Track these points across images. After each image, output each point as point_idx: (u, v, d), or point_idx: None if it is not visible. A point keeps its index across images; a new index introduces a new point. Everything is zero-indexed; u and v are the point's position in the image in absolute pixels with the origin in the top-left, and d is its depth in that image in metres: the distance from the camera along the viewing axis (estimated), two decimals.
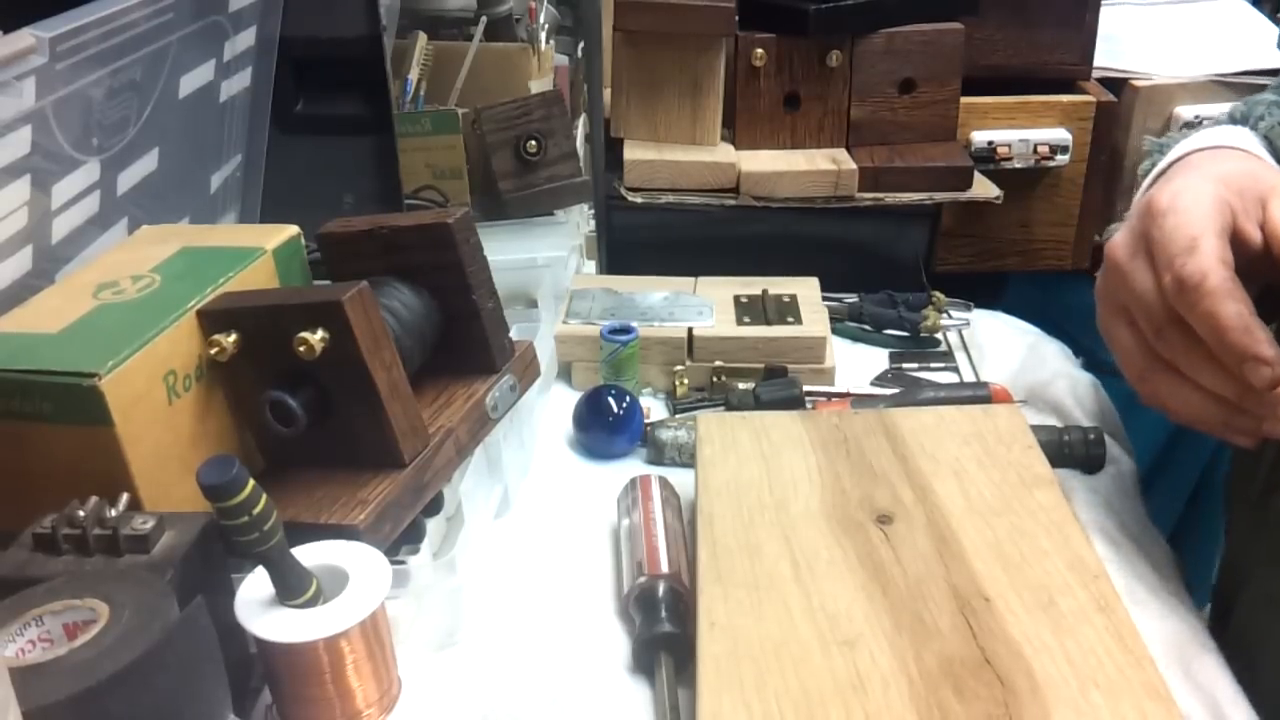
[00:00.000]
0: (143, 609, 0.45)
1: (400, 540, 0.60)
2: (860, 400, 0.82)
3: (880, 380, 0.88)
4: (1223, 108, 1.22)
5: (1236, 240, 0.56)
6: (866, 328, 0.95)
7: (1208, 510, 1.27)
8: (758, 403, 0.81)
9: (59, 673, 0.42)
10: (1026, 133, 1.15)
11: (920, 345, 0.93)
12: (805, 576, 0.58)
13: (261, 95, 0.86)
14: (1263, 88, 0.99)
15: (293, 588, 0.50)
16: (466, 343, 0.66)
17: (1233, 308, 0.52)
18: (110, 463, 0.53)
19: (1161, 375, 0.57)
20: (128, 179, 0.70)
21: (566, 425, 0.82)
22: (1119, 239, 0.60)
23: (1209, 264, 0.53)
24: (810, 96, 1.06)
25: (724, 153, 1.06)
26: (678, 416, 0.83)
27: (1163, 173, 0.65)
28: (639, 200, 1.03)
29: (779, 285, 0.92)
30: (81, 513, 0.50)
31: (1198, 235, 0.54)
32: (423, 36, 1.06)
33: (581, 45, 1.18)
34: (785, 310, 0.88)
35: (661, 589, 0.61)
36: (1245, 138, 0.64)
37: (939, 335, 0.93)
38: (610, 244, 1.06)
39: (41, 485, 0.53)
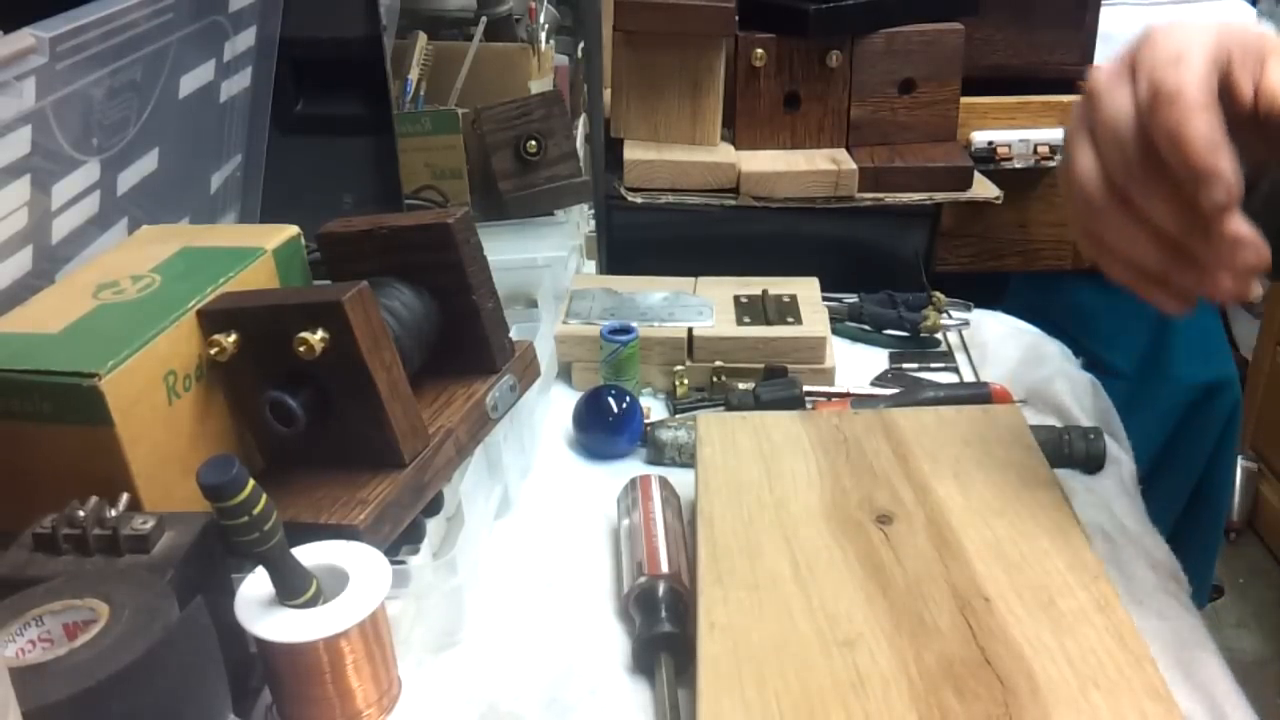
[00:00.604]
0: (143, 609, 0.45)
1: (400, 540, 0.60)
2: (860, 400, 0.82)
3: (880, 380, 0.88)
4: None
5: (1226, 89, 0.53)
6: (866, 328, 0.95)
7: (1207, 510, 1.27)
8: (758, 403, 0.81)
9: (59, 673, 0.42)
10: (1026, 133, 1.15)
11: (920, 345, 0.93)
12: (805, 577, 0.58)
13: (261, 95, 0.86)
14: None
15: (293, 588, 0.50)
16: (466, 343, 0.66)
17: (1204, 123, 0.50)
18: (110, 463, 0.53)
19: (1112, 211, 0.54)
20: (128, 179, 0.70)
21: (566, 425, 0.82)
22: (1105, 65, 0.56)
23: (1190, 77, 0.51)
24: (810, 96, 1.06)
25: (724, 153, 1.06)
26: (678, 416, 0.83)
27: None
28: (639, 200, 1.03)
29: (779, 285, 0.92)
30: (81, 513, 0.50)
31: (1185, 52, 0.52)
32: (423, 36, 1.06)
33: (581, 45, 1.19)
34: (785, 310, 0.88)
35: (661, 589, 0.61)
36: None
37: (939, 335, 0.93)
38: (610, 244, 1.06)
39: (41, 485, 0.53)
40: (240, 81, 0.83)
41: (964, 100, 1.09)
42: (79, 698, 0.41)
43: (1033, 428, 0.71)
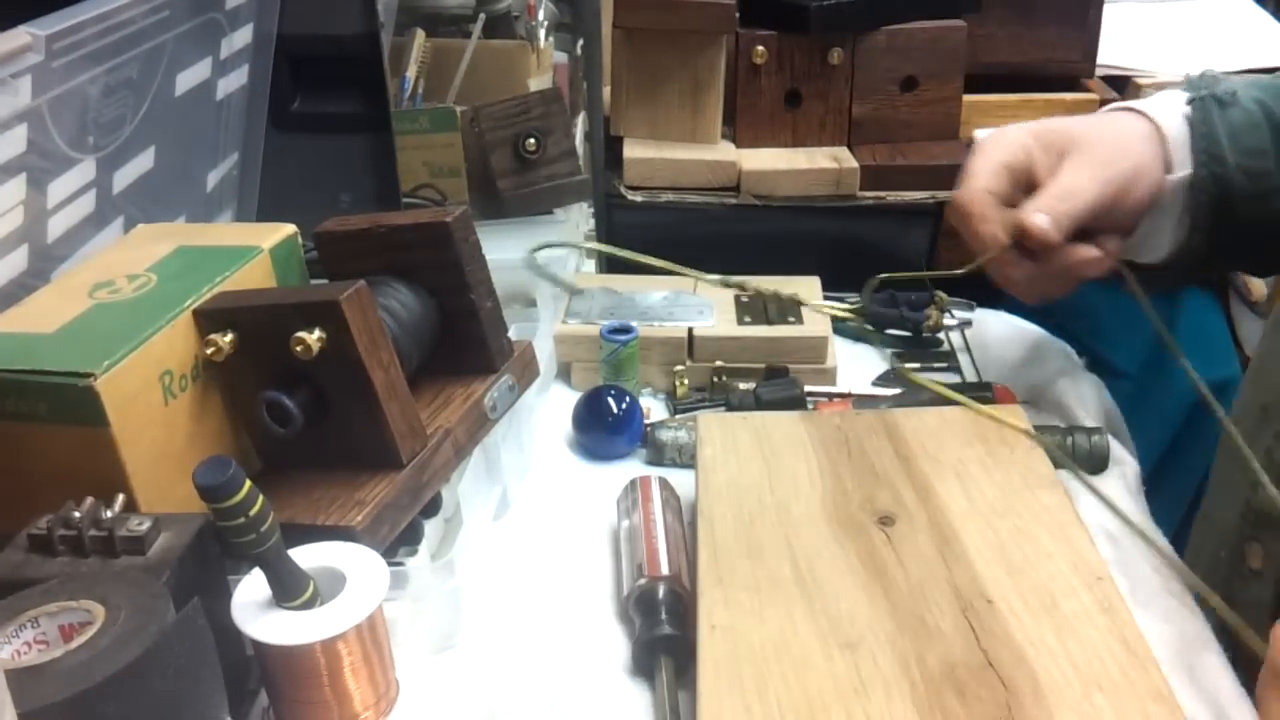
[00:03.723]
0: (139, 611, 0.44)
1: (398, 541, 0.60)
2: (862, 400, 0.82)
3: (882, 380, 0.87)
4: None
5: (1030, 180, 0.71)
6: (868, 327, 0.94)
7: None
8: (758, 403, 0.81)
9: (55, 675, 0.41)
10: None
11: (922, 345, 0.92)
12: (806, 578, 0.58)
13: (258, 93, 0.86)
14: None
15: (290, 589, 0.49)
16: (465, 342, 0.66)
17: (983, 228, 0.69)
18: (106, 463, 0.52)
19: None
20: (124, 177, 0.70)
21: (566, 426, 0.82)
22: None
23: (965, 196, 0.70)
24: (811, 94, 1.06)
25: (725, 151, 1.05)
26: (678, 417, 0.82)
27: None
28: (639, 199, 1.03)
29: (780, 284, 0.92)
30: (77, 514, 0.49)
31: (976, 170, 0.70)
32: (421, 34, 1.06)
33: (581, 42, 1.18)
34: (786, 310, 0.88)
35: (662, 591, 0.61)
36: (1166, 104, 0.73)
37: (941, 335, 0.93)
38: (610, 243, 1.06)
39: (37, 486, 0.53)
40: (237, 79, 0.82)
41: (966, 98, 1.09)
42: (75, 699, 0.40)
43: (1036, 428, 0.70)
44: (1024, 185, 0.72)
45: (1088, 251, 0.70)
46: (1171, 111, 0.73)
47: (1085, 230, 0.71)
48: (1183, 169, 0.71)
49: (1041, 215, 0.68)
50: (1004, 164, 0.71)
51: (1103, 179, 0.70)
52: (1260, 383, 0.64)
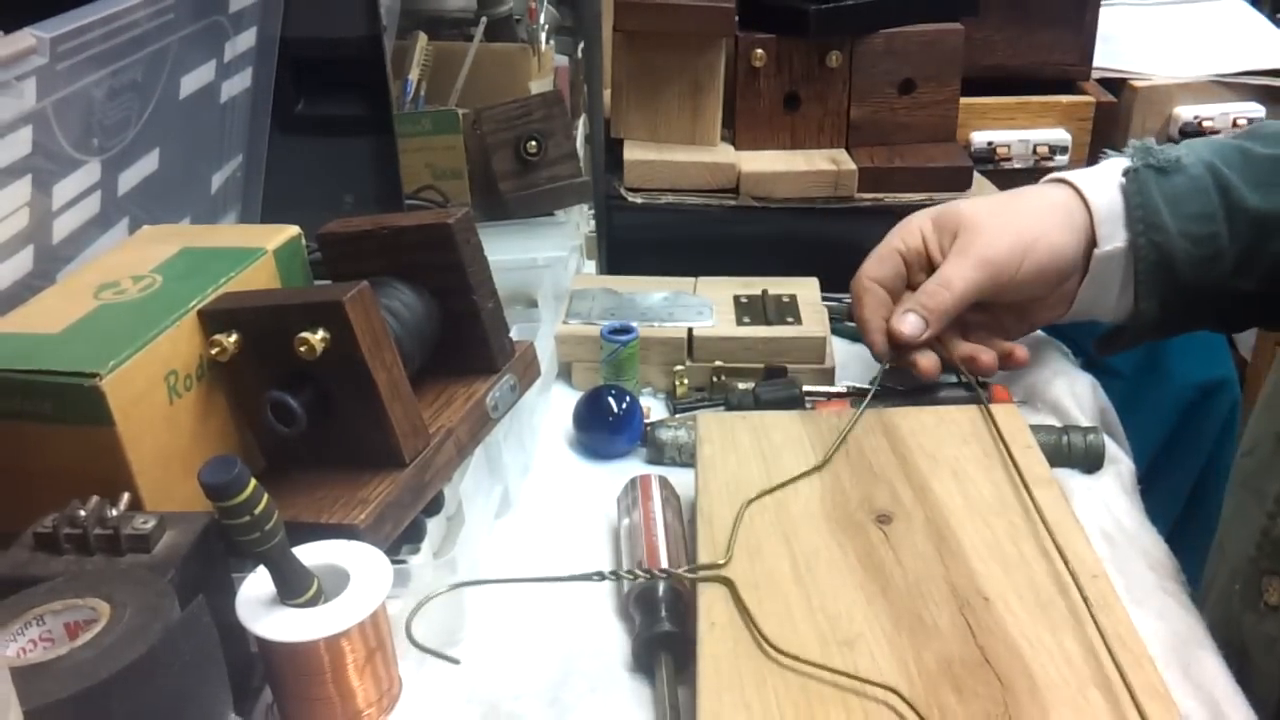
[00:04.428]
0: (144, 608, 0.45)
1: (401, 540, 0.60)
2: (860, 400, 0.82)
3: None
4: (1221, 108, 1.23)
5: (930, 262, 0.77)
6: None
7: (1206, 510, 1.27)
8: (758, 403, 0.81)
9: (60, 672, 0.42)
10: (1026, 133, 1.15)
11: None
12: (805, 576, 0.58)
13: (262, 96, 0.86)
14: (1262, 88, 1.01)
15: (294, 587, 0.50)
16: (467, 343, 0.66)
17: (864, 311, 0.77)
18: (111, 463, 0.53)
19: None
20: (129, 179, 0.70)
21: (567, 425, 0.82)
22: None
23: (857, 281, 0.78)
24: (810, 97, 1.06)
25: (724, 153, 1.06)
26: (678, 416, 0.83)
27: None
28: (639, 200, 1.03)
29: (779, 285, 0.92)
30: (83, 512, 0.50)
31: (870, 256, 0.78)
32: (423, 37, 1.06)
33: (582, 45, 1.19)
34: (785, 310, 0.88)
35: (661, 588, 0.61)
36: (1101, 176, 0.76)
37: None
38: (610, 244, 1.06)
39: (42, 485, 0.53)
40: (241, 82, 0.83)
41: (964, 100, 1.09)
42: (80, 697, 0.41)
43: (1031, 427, 0.71)
44: (924, 267, 0.77)
45: (970, 349, 0.76)
46: (1105, 184, 0.75)
47: (992, 313, 0.78)
48: (1113, 241, 0.74)
49: (911, 316, 0.74)
50: (895, 249, 0.77)
51: (978, 262, 0.73)
52: (1273, 412, 0.64)
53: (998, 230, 0.74)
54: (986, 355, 0.76)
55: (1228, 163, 0.74)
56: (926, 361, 0.75)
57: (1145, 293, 0.74)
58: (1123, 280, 0.75)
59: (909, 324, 0.73)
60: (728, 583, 0.57)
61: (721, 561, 0.59)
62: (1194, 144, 0.76)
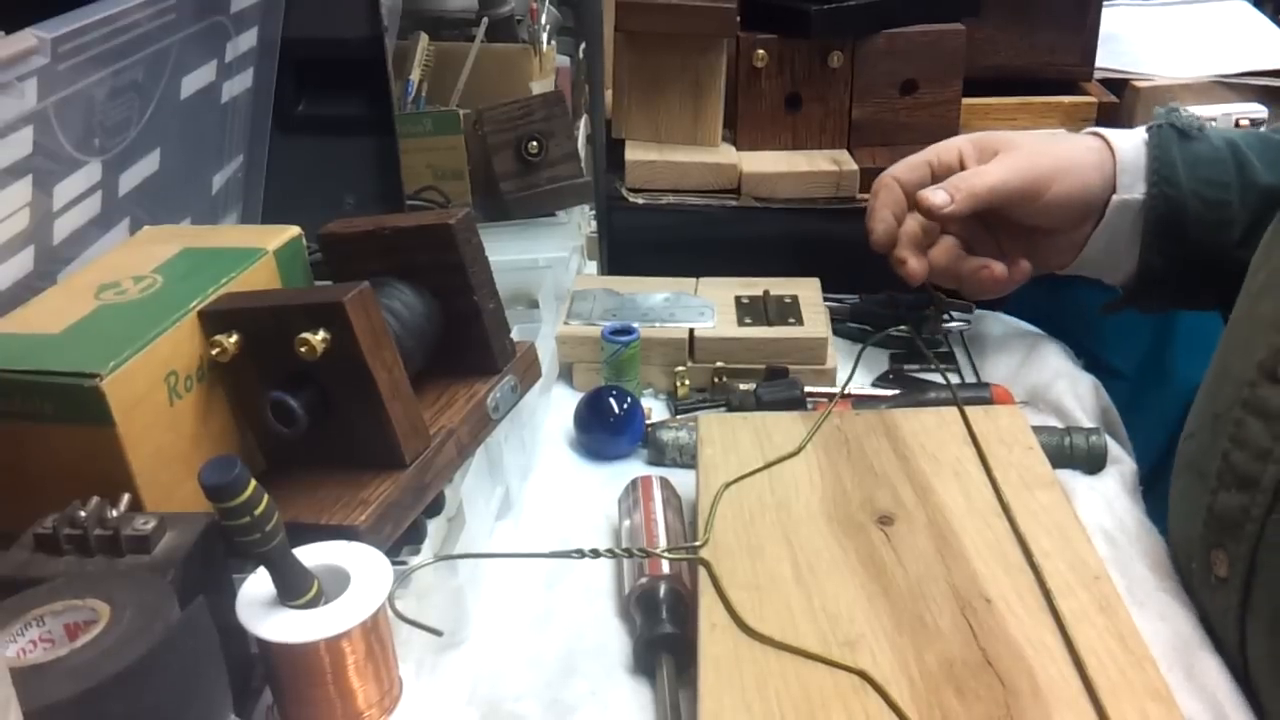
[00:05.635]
0: (144, 609, 0.45)
1: (401, 541, 0.60)
2: (861, 401, 0.82)
3: (881, 381, 0.88)
4: (1224, 108, 1.22)
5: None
6: (868, 328, 0.95)
7: None
8: (759, 403, 0.81)
9: (60, 673, 0.42)
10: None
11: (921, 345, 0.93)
12: (806, 577, 0.58)
13: (263, 96, 0.86)
14: (1264, 89, 1.02)
15: (294, 588, 0.50)
16: (468, 343, 0.66)
17: (875, 201, 0.80)
18: (111, 463, 0.53)
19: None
20: (129, 180, 0.70)
21: (568, 426, 0.82)
22: None
23: (880, 178, 0.80)
24: (811, 97, 1.06)
25: (725, 153, 1.06)
26: (679, 417, 0.83)
27: None
28: (640, 201, 1.03)
29: (780, 286, 0.92)
30: (83, 513, 0.50)
31: (901, 161, 0.79)
32: (424, 37, 1.06)
33: (583, 46, 1.19)
34: (786, 311, 0.88)
35: (662, 590, 0.61)
36: (1129, 131, 0.78)
37: (940, 336, 0.93)
38: (611, 245, 1.06)
39: (43, 486, 0.53)
40: (242, 82, 0.83)
41: (965, 101, 1.09)
42: (80, 698, 0.41)
43: (1034, 428, 0.71)
44: None
45: (982, 263, 0.77)
46: (1132, 138, 0.77)
47: (1000, 243, 0.79)
48: (1132, 192, 0.76)
49: (941, 191, 0.74)
50: (926, 160, 0.79)
51: (1015, 168, 0.75)
52: (1212, 395, 0.66)
53: (1039, 152, 0.76)
54: (998, 266, 0.78)
55: (1248, 144, 0.77)
56: (915, 263, 0.77)
57: (1151, 245, 0.76)
58: (1131, 236, 0.77)
59: (938, 195, 0.74)
60: (705, 564, 0.57)
61: (699, 543, 0.59)
62: (1217, 127, 0.79)
